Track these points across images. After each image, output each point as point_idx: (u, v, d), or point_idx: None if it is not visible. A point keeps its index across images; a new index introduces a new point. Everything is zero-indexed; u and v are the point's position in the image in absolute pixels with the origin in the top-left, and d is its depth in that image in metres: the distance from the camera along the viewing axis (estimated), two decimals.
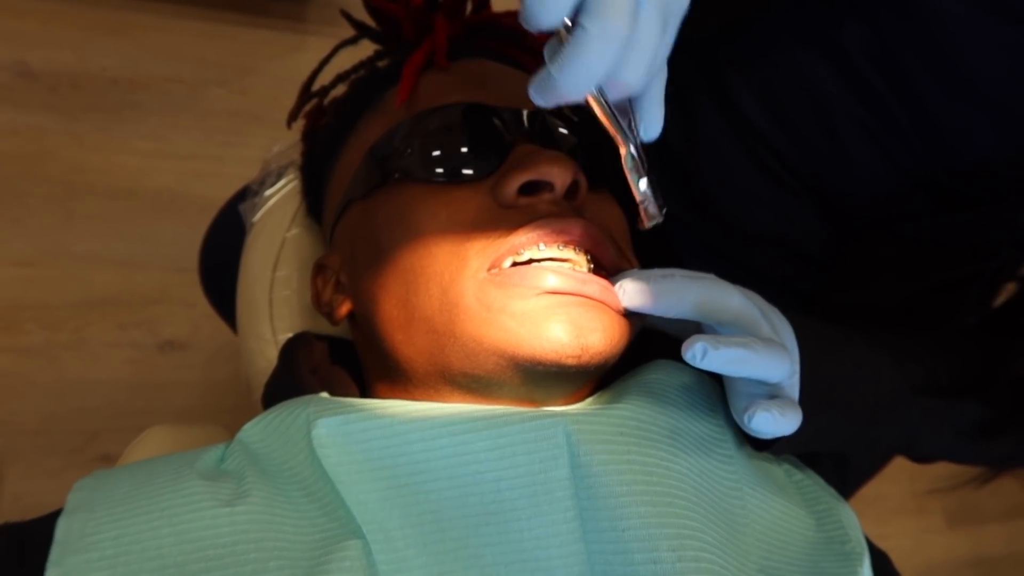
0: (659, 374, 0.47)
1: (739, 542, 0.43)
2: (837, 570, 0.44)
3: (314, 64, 0.61)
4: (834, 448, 0.50)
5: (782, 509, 0.47)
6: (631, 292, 0.42)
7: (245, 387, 0.64)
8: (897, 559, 0.54)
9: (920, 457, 0.55)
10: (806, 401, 0.44)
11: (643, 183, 0.40)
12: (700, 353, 0.39)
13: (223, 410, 1.28)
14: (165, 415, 1.26)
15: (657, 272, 0.43)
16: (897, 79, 0.52)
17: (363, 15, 0.59)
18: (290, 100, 1.70)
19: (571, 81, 0.33)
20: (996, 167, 0.52)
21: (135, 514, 0.39)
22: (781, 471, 0.51)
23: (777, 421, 0.41)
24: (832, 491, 0.51)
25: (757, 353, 0.40)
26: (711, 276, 0.44)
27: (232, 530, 0.38)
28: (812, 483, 0.51)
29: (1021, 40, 0.47)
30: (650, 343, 0.51)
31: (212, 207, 0.83)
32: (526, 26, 0.32)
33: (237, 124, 1.44)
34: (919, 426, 0.50)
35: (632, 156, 0.39)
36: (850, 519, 0.49)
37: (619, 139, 0.39)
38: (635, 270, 0.44)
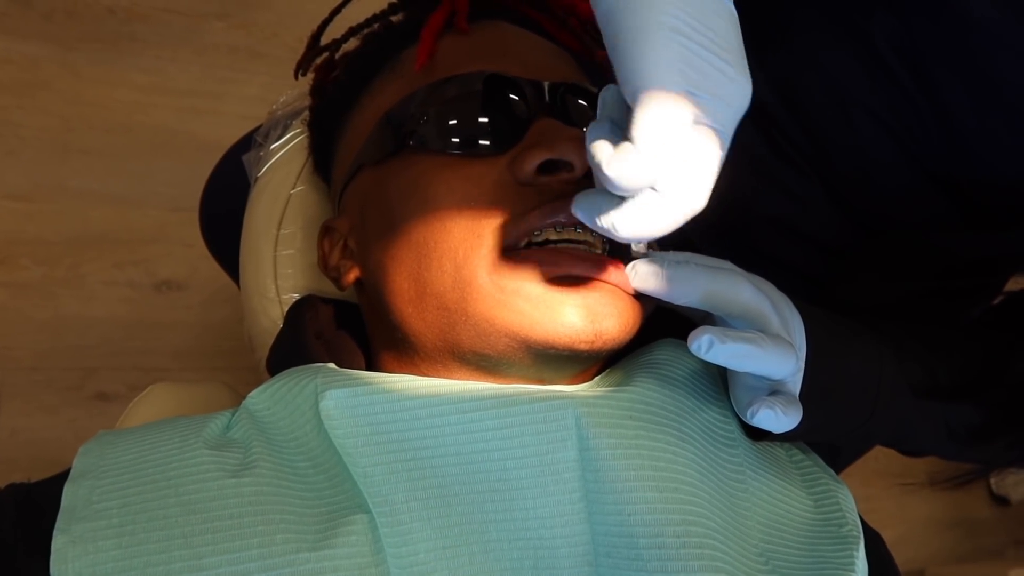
0: (667, 355, 0.47)
1: (741, 526, 0.43)
2: (834, 553, 0.45)
3: (319, 1, 0.59)
4: (827, 440, 0.50)
5: (782, 492, 0.47)
6: (642, 275, 0.42)
7: (248, 344, 0.64)
8: (880, 519, 0.55)
9: (909, 452, 0.55)
10: (807, 395, 0.44)
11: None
12: (706, 345, 0.39)
13: (219, 352, 1.28)
14: (161, 355, 1.26)
15: (671, 256, 0.43)
16: (922, 75, 0.50)
17: None
18: (292, 36, 1.63)
19: (627, 233, 0.35)
20: (1018, 182, 0.51)
21: (141, 483, 0.39)
22: (782, 451, 0.51)
23: (779, 419, 0.41)
24: (831, 472, 0.52)
25: (763, 349, 0.40)
26: (727, 265, 0.44)
27: (238, 501, 0.38)
28: (812, 464, 0.51)
29: None
30: (658, 318, 0.50)
31: (210, 147, 0.81)
32: (610, 187, 0.33)
33: (237, 60, 1.41)
34: (912, 425, 0.50)
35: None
36: (848, 501, 0.49)
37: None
38: (651, 253, 0.44)
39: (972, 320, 0.57)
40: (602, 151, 0.33)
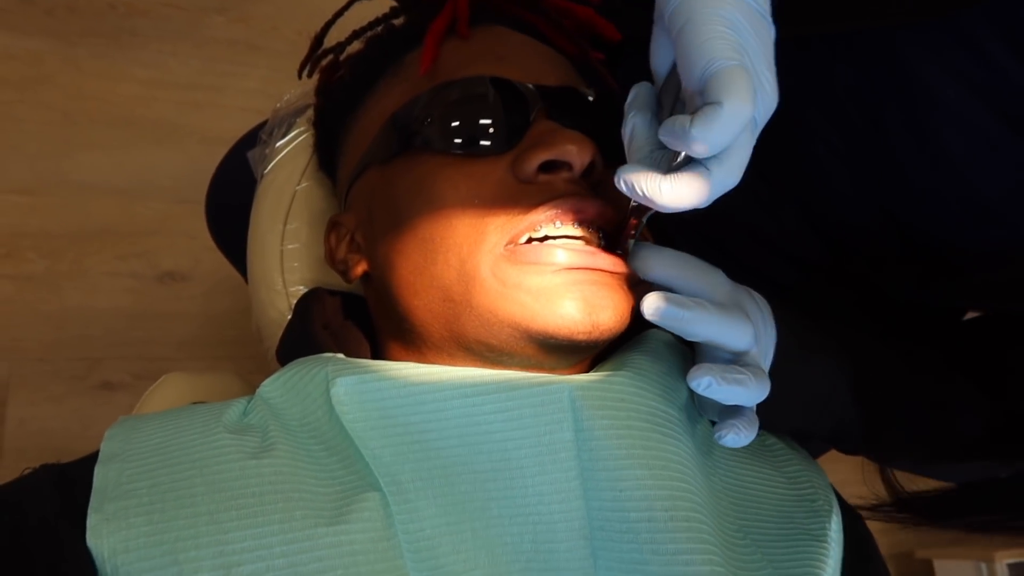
0: (656, 344, 0.50)
1: (718, 504, 0.46)
2: (808, 524, 0.48)
3: None
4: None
5: (753, 472, 0.51)
6: (662, 312, 0.44)
7: (256, 335, 0.66)
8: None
9: (844, 451, 0.58)
10: (765, 404, 0.47)
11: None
12: (705, 385, 0.43)
13: (223, 342, 1.30)
14: (165, 346, 1.28)
15: (691, 300, 0.44)
16: (876, 124, 0.51)
17: None
18: (291, 30, 1.64)
19: (669, 200, 0.38)
20: (957, 241, 0.52)
21: (168, 464, 0.41)
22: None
23: (740, 440, 0.45)
24: (804, 453, 0.55)
25: (749, 389, 0.43)
26: (740, 314, 0.46)
27: (259, 481, 0.40)
28: (784, 446, 0.55)
29: (997, 131, 0.47)
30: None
31: (211, 140, 0.83)
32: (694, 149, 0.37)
33: (237, 54, 1.42)
34: (847, 430, 0.54)
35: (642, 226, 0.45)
36: (820, 478, 0.52)
37: (635, 219, 0.45)
38: (668, 294, 0.45)
39: (949, 347, 0.59)
40: (679, 120, 0.36)
